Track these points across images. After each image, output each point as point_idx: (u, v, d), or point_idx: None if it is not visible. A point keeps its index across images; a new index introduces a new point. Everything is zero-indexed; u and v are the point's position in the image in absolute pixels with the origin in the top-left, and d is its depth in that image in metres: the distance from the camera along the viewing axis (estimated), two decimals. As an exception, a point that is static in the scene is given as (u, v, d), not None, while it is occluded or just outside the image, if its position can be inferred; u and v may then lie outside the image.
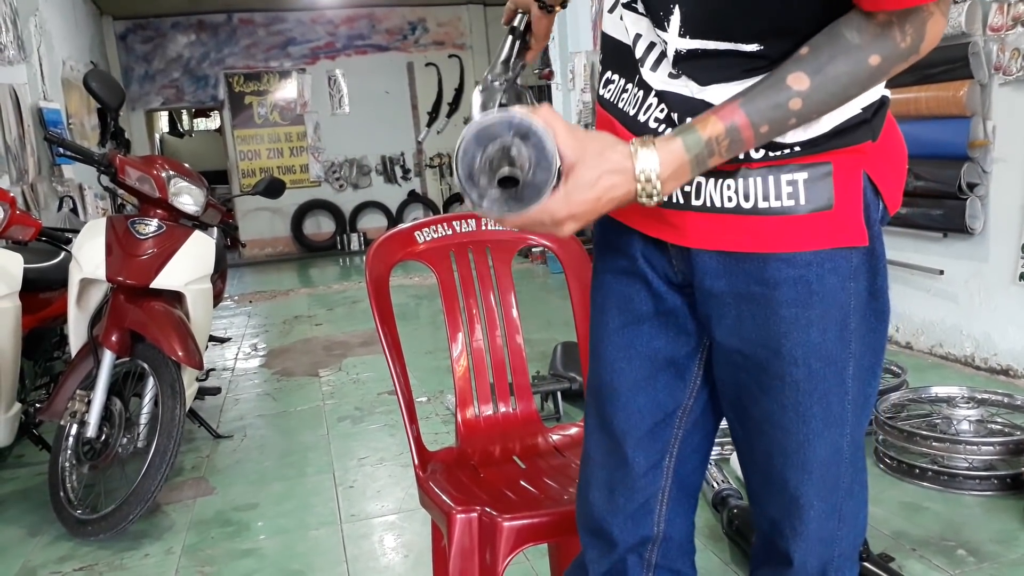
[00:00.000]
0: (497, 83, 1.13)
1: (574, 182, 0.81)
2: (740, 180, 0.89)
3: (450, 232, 1.71)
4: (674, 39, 0.89)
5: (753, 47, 0.85)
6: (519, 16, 1.20)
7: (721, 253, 0.93)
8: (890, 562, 1.92)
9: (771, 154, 0.88)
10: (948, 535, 2.10)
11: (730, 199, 0.90)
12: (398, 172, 10.48)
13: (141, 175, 2.74)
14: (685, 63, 0.89)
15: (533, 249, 7.57)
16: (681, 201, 0.92)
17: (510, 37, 1.19)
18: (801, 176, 0.88)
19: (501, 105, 1.08)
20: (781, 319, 0.92)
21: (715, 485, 2.27)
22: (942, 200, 3.48)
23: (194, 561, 2.28)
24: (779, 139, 0.86)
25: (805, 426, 0.94)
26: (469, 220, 1.72)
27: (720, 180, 0.90)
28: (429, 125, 10.52)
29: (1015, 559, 1.97)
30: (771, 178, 0.88)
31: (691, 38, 0.87)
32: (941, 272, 3.61)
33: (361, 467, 2.88)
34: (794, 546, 1.00)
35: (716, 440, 2.28)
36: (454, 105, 10.56)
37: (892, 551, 2.00)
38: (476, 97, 1.13)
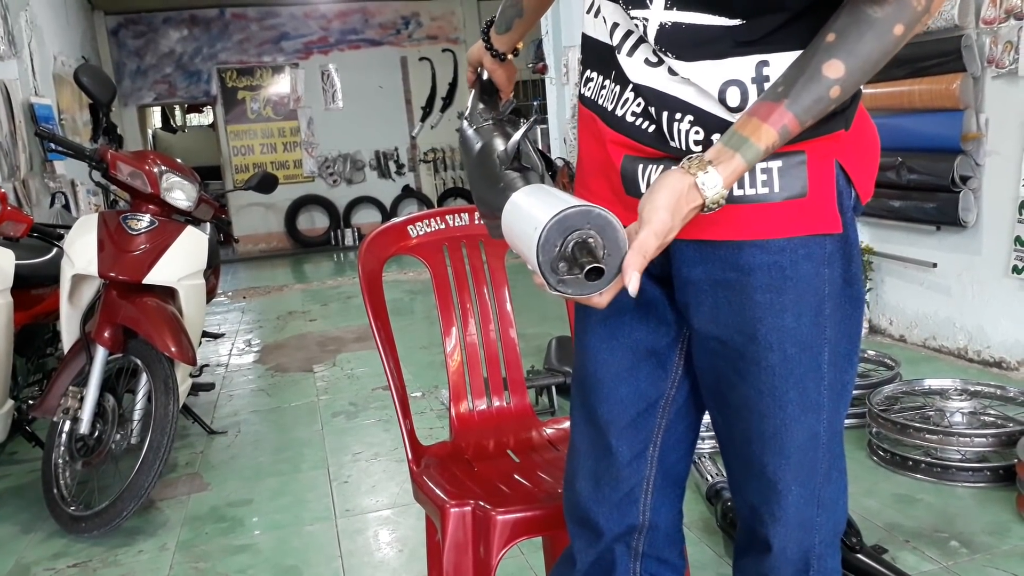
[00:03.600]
0: (488, 124, 1.19)
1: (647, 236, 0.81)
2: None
3: (443, 226, 1.71)
4: (658, 12, 0.89)
5: (737, 22, 0.86)
6: (479, 72, 1.26)
7: (697, 241, 0.94)
8: (884, 554, 1.92)
9: None
10: (941, 527, 2.10)
11: None
12: (392, 167, 10.45)
13: (133, 170, 2.73)
14: (669, 39, 0.89)
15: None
16: None
17: (476, 90, 1.26)
18: (775, 164, 0.90)
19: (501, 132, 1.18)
20: (756, 304, 0.93)
21: (709, 478, 2.28)
22: (935, 193, 3.48)
23: (188, 557, 2.28)
24: None
25: (781, 411, 0.96)
26: (462, 214, 1.72)
27: None
28: (423, 120, 10.49)
29: (1007, 550, 1.97)
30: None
31: (677, 9, 0.88)
32: (934, 265, 3.62)
33: (355, 462, 2.88)
34: (773, 532, 1.01)
35: (711, 433, 2.31)
36: (448, 100, 10.52)
37: (886, 543, 2.01)
38: (471, 135, 1.19)
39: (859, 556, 1.85)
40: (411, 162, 10.53)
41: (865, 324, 3.97)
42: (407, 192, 10.39)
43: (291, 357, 4.53)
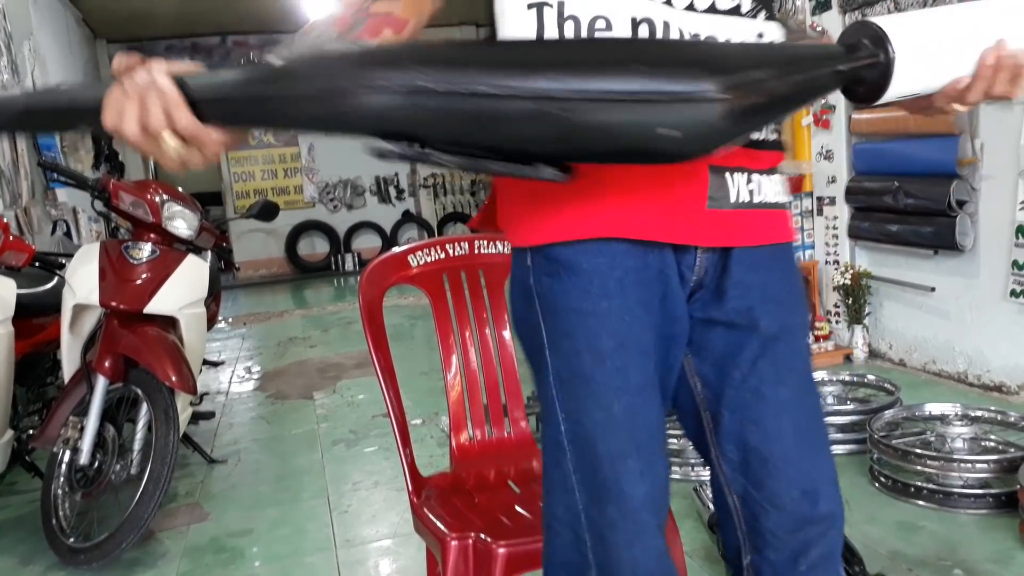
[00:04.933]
0: None
1: None
2: (756, 180, 0.99)
3: (443, 256, 1.72)
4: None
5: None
6: None
7: (759, 247, 1.03)
8: (886, 582, 1.92)
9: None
10: (944, 554, 2.09)
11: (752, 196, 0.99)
12: (392, 192, 10.50)
13: (135, 200, 2.74)
14: None
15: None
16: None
17: None
18: (782, 177, 1.04)
19: None
20: (789, 295, 1.05)
21: (711, 507, 2.27)
22: (932, 217, 3.50)
23: (188, 588, 2.27)
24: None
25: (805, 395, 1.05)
26: (462, 243, 1.73)
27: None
28: (423, 146, 10.57)
29: (1011, 578, 1.97)
30: (775, 176, 1.02)
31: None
32: (933, 289, 3.63)
33: (356, 491, 2.87)
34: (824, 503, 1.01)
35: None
36: (448, 125, 10.61)
37: (888, 571, 2.00)
38: None
39: (862, 585, 1.84)
40: (411, 187, 10.59)
41: (865, 348, 3.97)
42: (407, 217, 10.43)
43: (291, 384, 4.53)
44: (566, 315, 0.94)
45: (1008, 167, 3.22)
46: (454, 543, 1.32)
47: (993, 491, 2.29)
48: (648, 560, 0.95)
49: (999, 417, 2.63)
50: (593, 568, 0.97)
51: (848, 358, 3.98)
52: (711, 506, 2.27)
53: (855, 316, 3.95)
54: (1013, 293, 3.25)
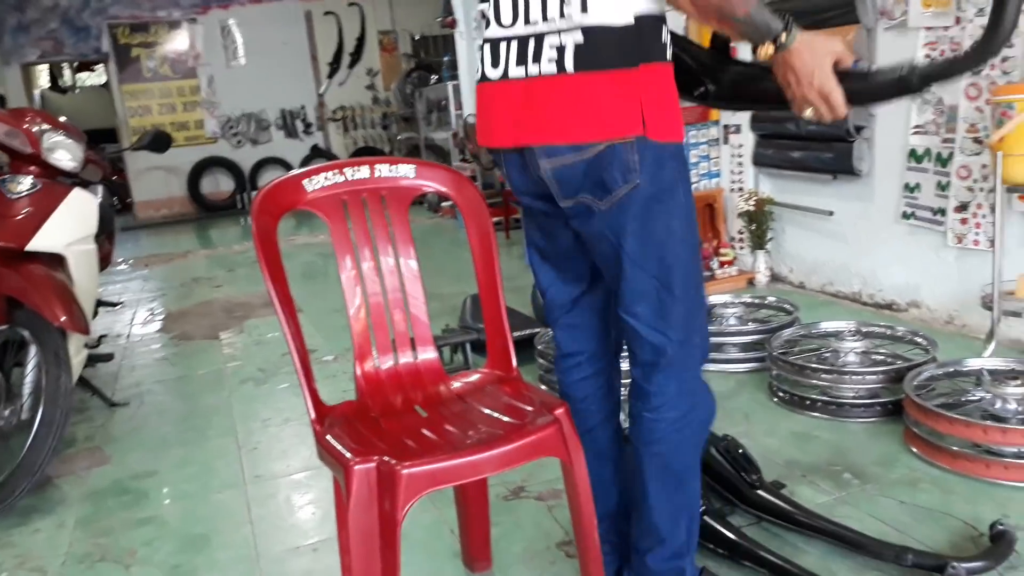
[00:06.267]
0: None
1: None
2: None
3: (342, 179, 1.66)
4: None
5: None
6: None
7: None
8: (782, 489, 2.01)
9: None
10: (835, 460, 2.21)
11: None
12: (299, 126, 10.15)
13: (9, 129, 2.55)
14: None
15: (443, 203, 7.51)
16: None
17: None
18: None
19: None
20: None
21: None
22: (832, 143, 3.60)
23: (88, 533, 2.20)
24: None
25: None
26: (361, 167, 1.67)
27: None
28: (330, 77, 10.20)
29: (895, 479, 2.09)
30: None
31: None
32: (831, 213, 3.76)
33: (266, 428, 2.82)
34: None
35: (622, 382, 2.38)
36: (356, 56, 10.25)
37: (784, 478, 2.10)
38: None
39: (758, 492, 1.92)
40: (319, 120, 10.25)
41: (767, 272, 4.10)
42: (316, 152, 10.11)
43: (196, 325, 4.38)
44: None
45: (902, 93, 3.31)
46: (357, 467, 1.30)
47: (881, 400, 2.43)
48: None
49: (888, 332, 2.76)
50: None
51: (751, 282, 4.11)
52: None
53: (758, 242, 4.06)
54: (904, 215, 3.39)
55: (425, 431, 1.47)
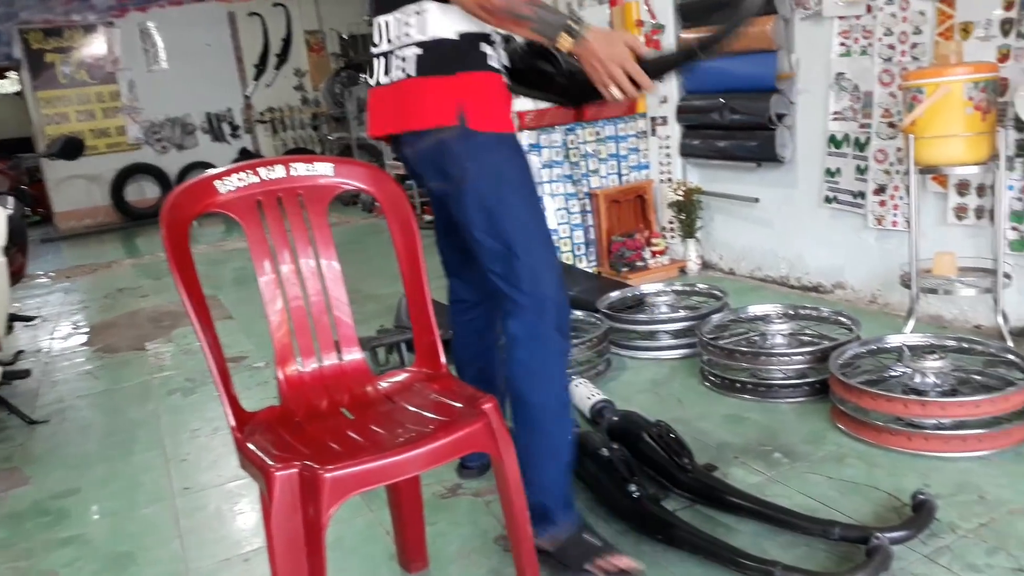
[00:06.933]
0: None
1: None
2: None
3: (256, 180, 1.61)
4: None
5: None
6: None
7: None
8: (714, 471, 2.04)
9: None
10: (765, 441, 2.25)
11: None
12: (226, 129, 9.91)
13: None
14: None
15: (376, 203, 7.42)
16: None
17: None
18: None
19: None
20: None
21: (590, 397, 2.35)
22: (755, 132, 3.67)
23: (7, 557, 2.09)
24: None
25: None
26: (276, 166, 1.63)
27: None
28: (257, 78, 9.98)
29: (823, 456, 2.14)
30: None
31: None
32: (757, 200, 3.83)
33: (194, 439, 2.74)
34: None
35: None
36: (282, 57, 10.05)
37: (716, 461, 2.13)
38: None
39: (691, 475, 1.95)
40: (247, 123, 10.02)
41: (698, 260, 4.17)
42: (245, 155, 9.89)
43: (122, 336, 4.24)
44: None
45: (820, 80, 3.40)
46: (278, 474, 1.27)
47: (808, 380, 2.48)
48: None
49: (814, 313, 2.83)
50: None
51: (683, 270, 4.17)
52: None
53: (688, 230, 4.12)
54: (827, 199, 3.48)
55: (350, 433, 1.44)
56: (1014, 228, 2.76)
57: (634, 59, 1.49)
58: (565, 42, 1.49)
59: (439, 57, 1.60)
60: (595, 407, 2.40)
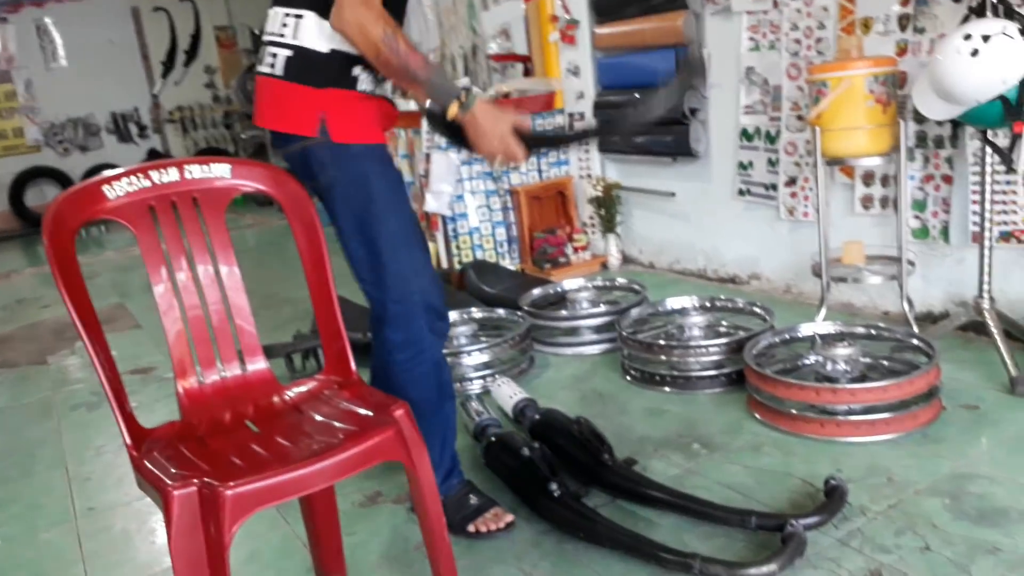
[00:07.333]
0: None
1: None
2: None
3: (148, 184, 1.53)
4: None
5: None
6: None
7: None
8: (634, 465, 2.04)
9: None
10: (684, 432, 2.27)
11: None
12: (133, 130, 9.50)
13: None
14: None
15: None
16: None
17: None
18: None
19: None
20: None
21: (475, 417, 2.30)
22: (670, 127, 3.71)
23: None
24: None
25: None
26: (169, 168, 1.54)
27: None
28: (165, 76, 9.60)
29: (740, 445, 2.17)
30: None
31: None
32: (673, 194, 3.88)
33: (100, 456, 2.60)
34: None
35: (479, 375, 2.69)
36: (191, 54, 9.69)
37: (637, 454, 2.14)
38: None
39: (611, 471, 1.94)
40: (155, 123, 9.64)
41: (618, 255, 4.20)
42: (154, 156, 9.51)
43: (21, 350, 4.01)
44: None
45: (731, 75, 3.46)
46: (176, 492, 1.20)
47: (725, 371, 2.52)
48: None
49: (730, 305, 2.87)
50: None
51: (605, 265, 4.19)
52: (475, 417, 2.30)
53: (608, 225, 4.15)
54: (740, 192, 3.55)
55: (255, 447, 1.38)
56: (916, 216, 2.86)
57: (515, 135, 1.65)
58: (453, 110, 1.62)
59: (307, 66, 1.63)
60: (517, 406, 2.38)
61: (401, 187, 1.77)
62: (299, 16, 1.63)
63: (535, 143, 1.72)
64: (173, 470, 1.29)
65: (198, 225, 1.55)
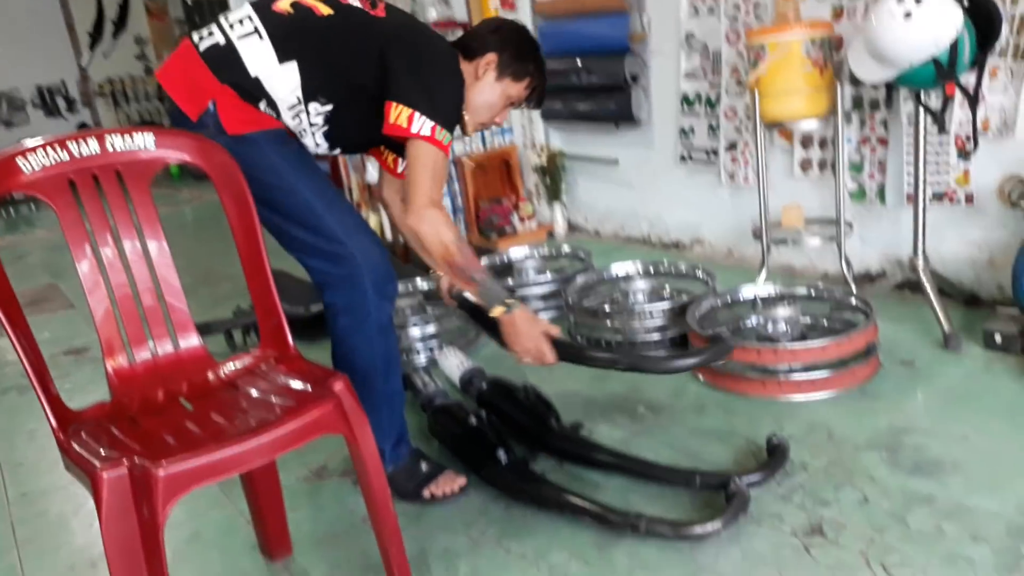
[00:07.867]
0: None
1: None
2: None
3: (67, 157, 1.45)
4: None
5: None
6: None
7: None
8: (580, 429, 2.05)
9: None
10: (630, 396, 2.29)
11: None
12: (61, 104, 9.14)
13: None
14: None
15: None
16: None
17: None
18: None
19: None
20: None
21: (422, 388, 2.28)
22: (612, 93, 3.70)
23: None
24: None
25: None
26: (89, 139, 1.47)
27: None
28: (93, 48, 9.23)
29: (684, 407, 2.20)
30: None
31: None
32: (616, 161, 3.88)
33: (32, 440, 2.52)
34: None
35: (426, 345, 2.63)
36: (120, 24, 9.32)
37: (583, 419, 2.14)
38: None
39: (557, 435, 1.95)
40: (84, 96, 9.28)
41: (564, 223, 4.20)
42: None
43: (-53, 334, 3.84)
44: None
45: (672, 41, 3.46)
46: (105, 474, 1.16)
47: (669, 334, 2.54)
48: None
49: (673, 270, 2.89)
50: None
51: (551, 234, 4.19)
52: (423, 389, 2.28)
53: (554, 194, 4.14)
54: (682, 158, 3.56)
55: (189, 424, 1.34)
56: (853, 179, 2.91)
57: (548, 340, 1.79)
58: (497, 311, 1.78)
59: (226, 64, 1.69)
60: (465, 376, 2.36)
61: (307, 157, 1.78)
62: (260, 36, 1.69)
63: (564, 351, 1.83)
64: (103, 451, 1.25)
65: (123, 200, 1.49)
